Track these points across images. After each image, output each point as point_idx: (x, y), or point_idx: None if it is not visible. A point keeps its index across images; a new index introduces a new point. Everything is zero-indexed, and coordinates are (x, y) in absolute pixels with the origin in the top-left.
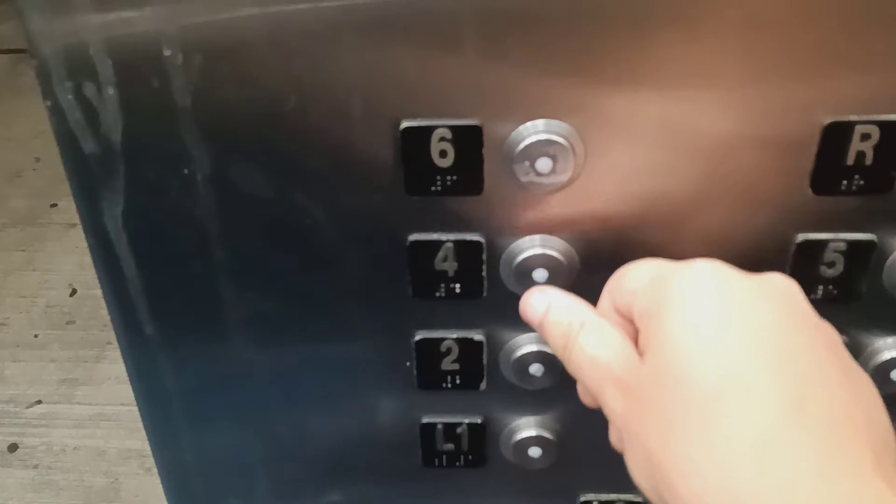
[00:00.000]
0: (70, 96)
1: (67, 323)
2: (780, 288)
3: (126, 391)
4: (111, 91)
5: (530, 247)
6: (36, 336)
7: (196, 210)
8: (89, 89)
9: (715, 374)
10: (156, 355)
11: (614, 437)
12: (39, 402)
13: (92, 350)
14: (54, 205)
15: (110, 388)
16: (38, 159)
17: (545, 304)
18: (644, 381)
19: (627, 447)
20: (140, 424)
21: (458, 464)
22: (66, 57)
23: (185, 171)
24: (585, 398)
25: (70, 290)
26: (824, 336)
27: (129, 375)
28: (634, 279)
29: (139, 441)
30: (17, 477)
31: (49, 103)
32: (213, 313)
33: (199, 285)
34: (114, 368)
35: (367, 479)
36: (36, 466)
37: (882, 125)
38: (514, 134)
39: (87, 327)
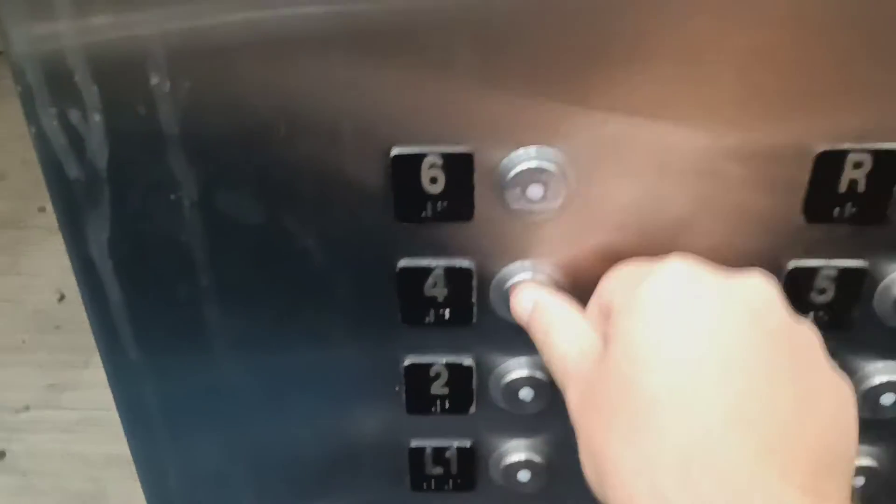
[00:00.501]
0: (55, 122)
1: (55, 327)
2: (752, 292)
3: None
4: (97, 118)
5: (520, 273)
6: (24, 341)
7: (183, 236)
8: (74, 116)
9: (659, 382)
10: (140, 379)
11: None
12: (27, 407)
13: (79, 355)
14: (42, 208)
15: (98, 393)
16: (23, 161)
17: (531, 302)
18: (597, 377)
19: (579, 440)
20: None
21: (446, 487)
22: (50, 83)
23: (172, 197)
24: None
25: (59, 296)
26: (792, 345)
27: (114, 397)
28: (615, 278)
29: (126, 447)
30: (2, 483)
31: (34, 129)
32: (200, 338)
33: (185, 311)
34: (101, 374)
35: (355, 503)
36: (24, 473)
37: (874, 154)
38: (505, 161)
39: (75, 332)
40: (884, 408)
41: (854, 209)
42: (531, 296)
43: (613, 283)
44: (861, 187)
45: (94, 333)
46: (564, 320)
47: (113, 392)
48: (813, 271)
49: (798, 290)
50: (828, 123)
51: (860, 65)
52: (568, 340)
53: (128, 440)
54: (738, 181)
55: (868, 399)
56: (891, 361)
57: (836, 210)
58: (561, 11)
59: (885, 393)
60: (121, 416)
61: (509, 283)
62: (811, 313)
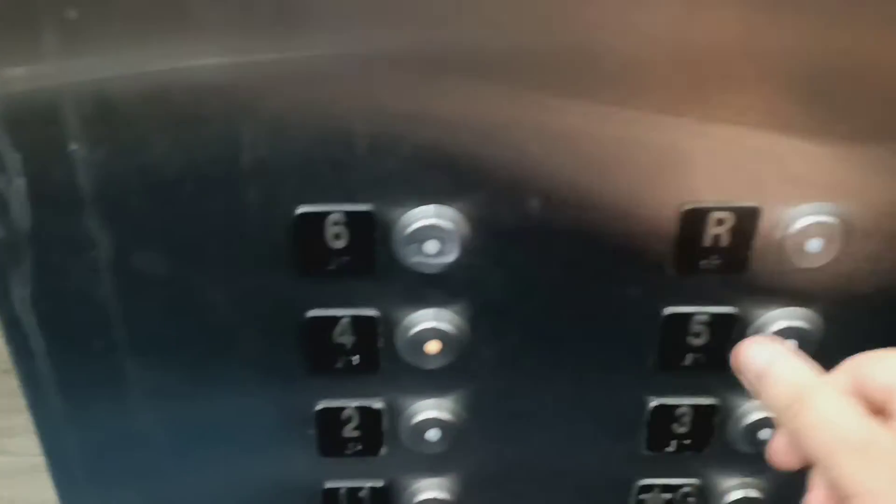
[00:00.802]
0: None
1: (3, 371)
2: None
3: None
4: (20, 182)
5: (424, 320)
6: None
7: (100, 292)
8: None
9: None
10: (64, 428)
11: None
12: None
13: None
14: None
15: None
16: None
17: (767, 358)
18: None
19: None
20: None
21: None
22: None
23: (90, 256)
24: (787, 458)
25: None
26: None
27: (41, 443)
28: (890, 373)
29: None
30: None
31: None
32: (118, 389)
33: (104, 362)
34: None
35: None
36: None
37: (735, 211)
38: (404, 217)
39: None
40: (760, 442)
41: (719, 261)
42: (766, 350)
43: (886, 378)
44: (724, 241)
45: (21, 384)
46: (826, 386)
47: (40, 441)
48: (687, 317)
49: (675, 335)
50: (691, 183)
51: (716, 129)
52: (837, 408)
53: (55, 488)
54: (614, 235)
55: (747, 435)
56: None
57: (703, 262)
58: (438, 88)
59: (762, 428)
60: (48, 465)
61: (413, 330)
62: (688, 356)
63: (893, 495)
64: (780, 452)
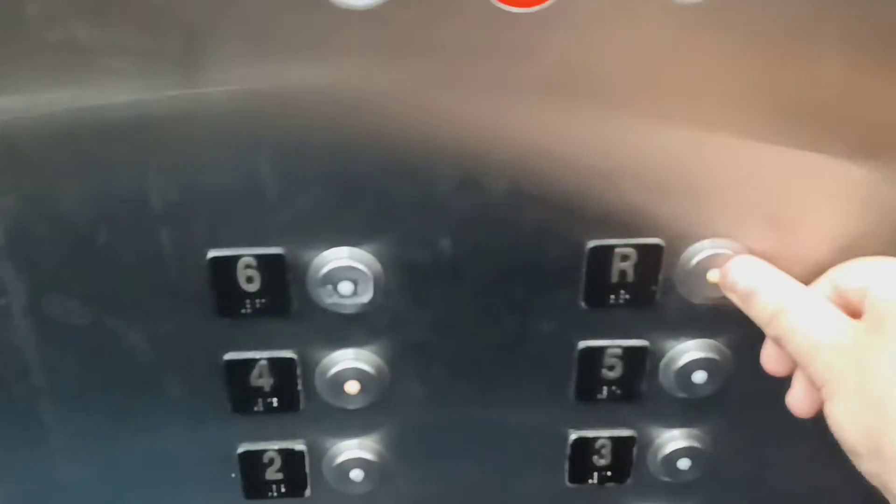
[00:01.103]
0: None
1: None
2: None
3: None
4: None
5: (342, 360)
6: None
7: (14, 339)
8: None
9: None
10: None
11: (799, 398)
12: None
13: None
14: None
15: None
16: None
17: (753, 277)
18: (866, 337)
19: (840, 400)
20: None
21: None
22: None
23: (2, 304)
24: (776, 365)
25: None
26: None
27: None
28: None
29: None
30: None
31: None
32: (38, 436)
33: (23, 410)
34: None
35: None
36: None
37: (638, 247)
38: (317, 259)
39: None
40: (680, 472)
41: (627, 296)
42: (751, 270)
43: (859, 282)
44: (630, 277)
45: None
46: (804, 298)
47: None
48: (600, 350)
49: (590, 368)
50: (596, 221)
51: (618, 170)
52: (814, 317)
53: None
54: (525, 271)
55: (666, 464)
56: (679, 429)
57: (612, 297)
58: (348, 122)
59: (679, 459)
60: None
61: (332, 371)
62: (604, 388)
63: (853, 379)
64: (771, 361)
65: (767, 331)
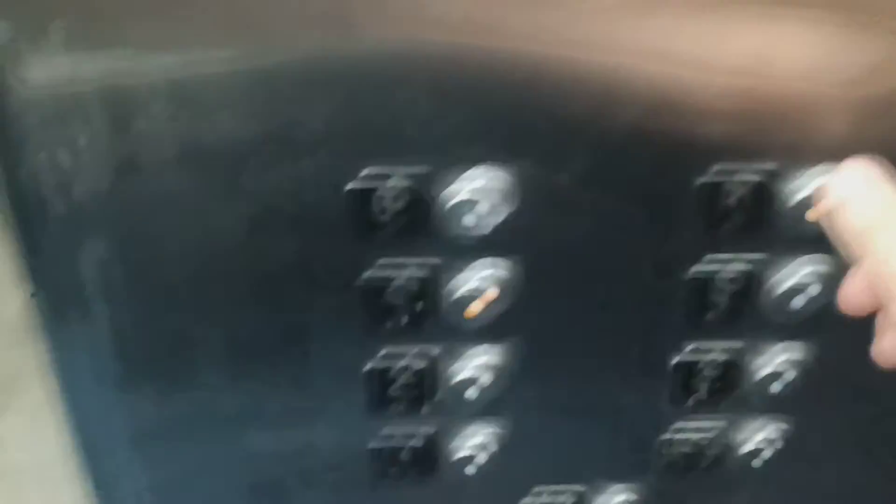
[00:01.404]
0: None
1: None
2: None
3: None
4: None
5: (475, 276)
6: None
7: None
8: None
9: None
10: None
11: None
12: None
13: None
14: None
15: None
16: None
17: (844, 189)
18: None
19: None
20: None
21: None
22: None
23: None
24: (856, 299)
25: None
26: None
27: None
28: None
29: None
30: None
31: None
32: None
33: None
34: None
35: None
36: None
37: (757, 173)
38: (456, 181)
39: None
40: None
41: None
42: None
43: None
44: (747, 203)
45: None
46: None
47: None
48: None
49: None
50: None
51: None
52: None
53: None
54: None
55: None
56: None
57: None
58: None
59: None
60: None
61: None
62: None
63: None
64: (853, 294)
65: (856, 251)
